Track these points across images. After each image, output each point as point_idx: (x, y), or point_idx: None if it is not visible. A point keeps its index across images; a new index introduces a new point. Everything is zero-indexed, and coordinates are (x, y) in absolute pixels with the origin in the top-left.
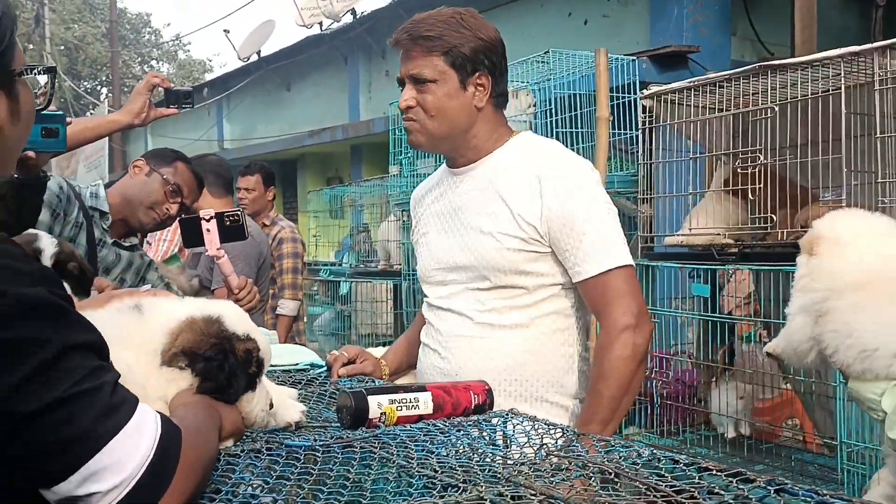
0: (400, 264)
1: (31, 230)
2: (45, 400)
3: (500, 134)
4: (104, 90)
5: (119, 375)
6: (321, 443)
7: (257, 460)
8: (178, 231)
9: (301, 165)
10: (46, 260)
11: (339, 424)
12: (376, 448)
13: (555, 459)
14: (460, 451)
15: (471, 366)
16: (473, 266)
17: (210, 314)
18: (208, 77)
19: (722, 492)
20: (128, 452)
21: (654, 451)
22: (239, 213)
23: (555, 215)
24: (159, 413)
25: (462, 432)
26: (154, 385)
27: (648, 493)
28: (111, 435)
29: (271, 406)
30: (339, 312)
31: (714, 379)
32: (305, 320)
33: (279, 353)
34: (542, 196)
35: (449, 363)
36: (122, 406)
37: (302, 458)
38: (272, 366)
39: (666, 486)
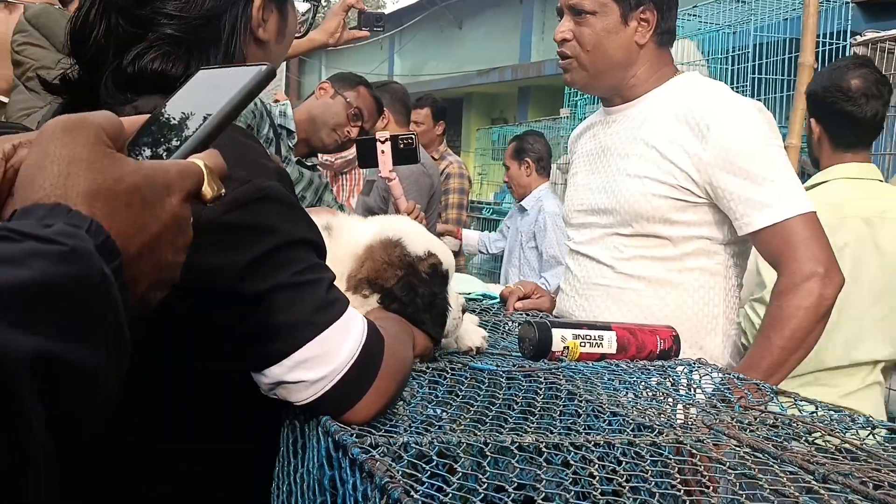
0: None
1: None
2: (271, 283)
3: (662, 74)
4: None
5: (334, 276)
6: (504, 369)
7: (441, 378)
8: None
9: (467, 105)
10: None
11: (519, 354)
12: (561, 380)
13: (756, 413)
14: (647, 394)
15: (607, 316)
16: (615, 210)
17: (389, 237)
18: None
19: None
20: (337, 346)
21: (870, 418)
22: (413, 136)
23: (718, 160)
24: (366, 318)
25: (647, 375)
26: None
27: (868, 460)
28: (325, 326)
29: (464, 311)
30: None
31: None
32: (465, 256)
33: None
34: (704, 139)
35: (584, 311)
36: (335, 302)
37: (486, 382)
38: None
39: (889, 455)
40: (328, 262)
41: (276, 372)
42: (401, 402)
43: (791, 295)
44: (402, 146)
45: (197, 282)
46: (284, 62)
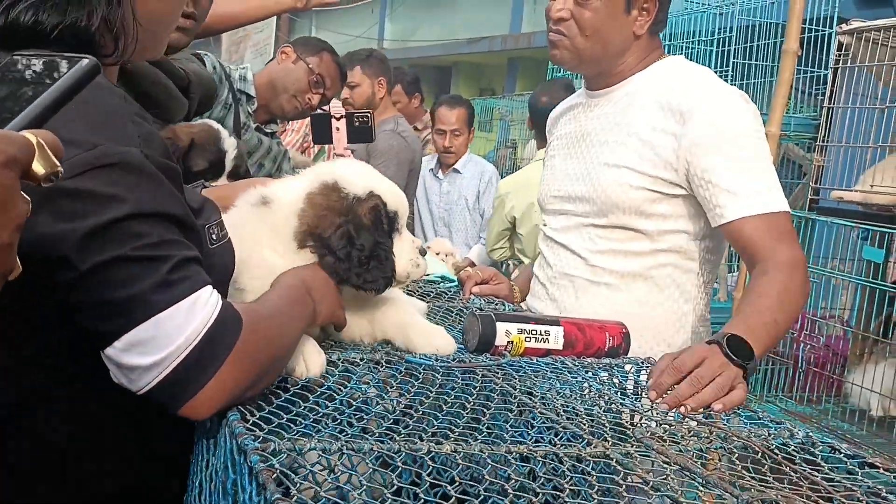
0: None
1: (209, 122)
2: (108, 255)
3: (649, 58)
4: None
5: (194, 255)
6: (442, 363)
7: (375, 371)
8: (306, 122)
9: (455, 73)
10: (228, 163)
11: (462, 346)
12: (499, 378)
13: (693, 424)
14: (587, 395)
15: (576, 308)
16: (591, 199)
17: (326, 181)
18: None
19: (891, 497)
20: (175, 329)
21: (810, 434)
22: (368, 114)
23: (699, 148)
24: (224, 300)
25: (591, 374)
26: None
27: (800, 483)
28: (164, 307)
29: (423, 254)
30: None
31: (867, 351)
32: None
33: None
34: (685, 124)
35: (553, 301)
36: (180, 282)
37: (420, 376)
38: None
39: (822, 477)
40: (273, 237)
41: (109, 354)
42: (326, 398)
43: (774, 273)
44: (357, 123)
45: (32, 252)
46: (274, 19)
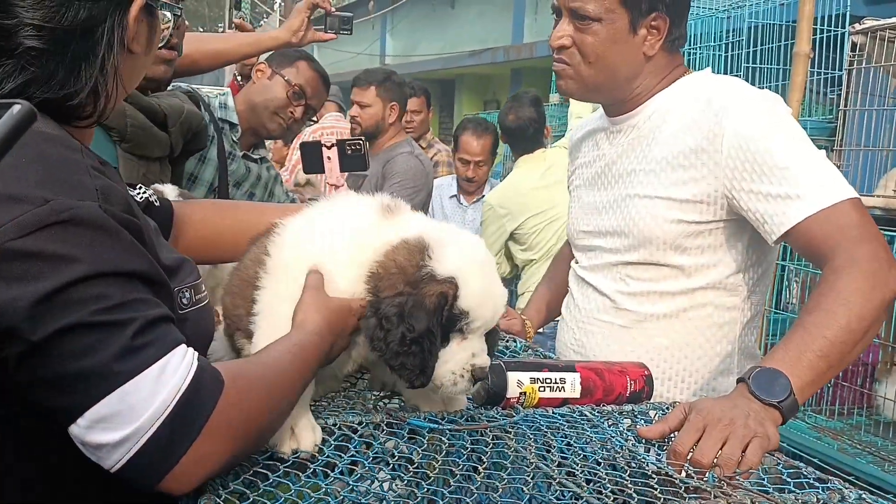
0: None
1: (158, 186)
2: (64, 322)
3: (671, 76)
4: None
5: (163, 314)
6: (449, 422)
7: (374, 440)
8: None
9: (459, 86)
10: None
11: (470, 398)
12: (511, 437)
13: (727, 488)
14: (610, 450)
15: (607, 355)
16: (622, 232)
17: (420, 238)
18: None
19: None
20: (143, 399)
21: (864, 498)
22: (361, 141)
23: (737, 160)
24: (201, 361)
25: (613, 425)
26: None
27: None
28: (128, 376)
29: (475, 378)
30: None
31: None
32: None
33: None
34: (719, 139)
35: (584, 347)
36: (145, 348)
37: (424, 443)
38: None
39: None
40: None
41: (74, 432)
42: (325, 468)
43: (843, 275)
44: (349, 152)
45: None
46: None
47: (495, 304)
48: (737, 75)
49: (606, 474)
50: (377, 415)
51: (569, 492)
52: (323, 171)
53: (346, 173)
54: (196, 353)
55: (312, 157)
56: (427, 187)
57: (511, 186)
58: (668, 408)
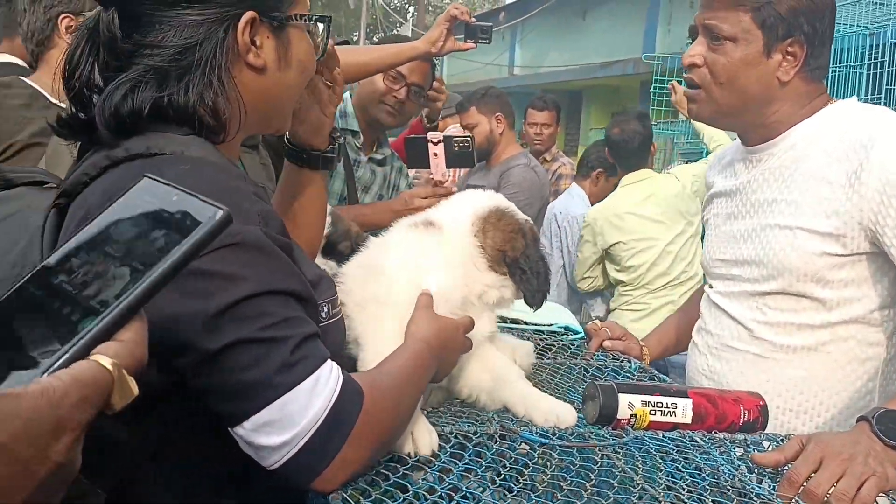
0: None
1: None
2: (233, 337)
3: (812, 106)
4: (410, 9)
5: (313, 331)
6: (559, 437)
7: (486, 449)
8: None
9: (587, 98)
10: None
11: (581, 416)
12: (619, 458)
13: None
14: (718, 478)
15: (740, 384)
16: (761, 262)
17: (498, 206)
18: (506, 0)
19: None
20: (299, 410)
21: None
22: (469, 138)
23: (886, 192)
24: (345, 375)
25: (724, 453)
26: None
27: None
28: (287, 389)
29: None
30: None
31: None
32: None
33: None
34: (870, 170)
35: (716, 374)
36: (302, 361)
37: (534, 457)
38: (525, 323)
39: None
40: (442, 265)
41: (239, 433)
42: (441, 472)
43: None
44: (456, 148)
45: (160, 333)
46: None
47: None
48: (880, 97)
49: (713, 501)
50: (491, 426)
51: None
52: (427, 167)
53: (456, 177)
54: (340, 369)
55: (417, 153)
56: (542, 200)
57: (610, 207)
58: (782, 439)
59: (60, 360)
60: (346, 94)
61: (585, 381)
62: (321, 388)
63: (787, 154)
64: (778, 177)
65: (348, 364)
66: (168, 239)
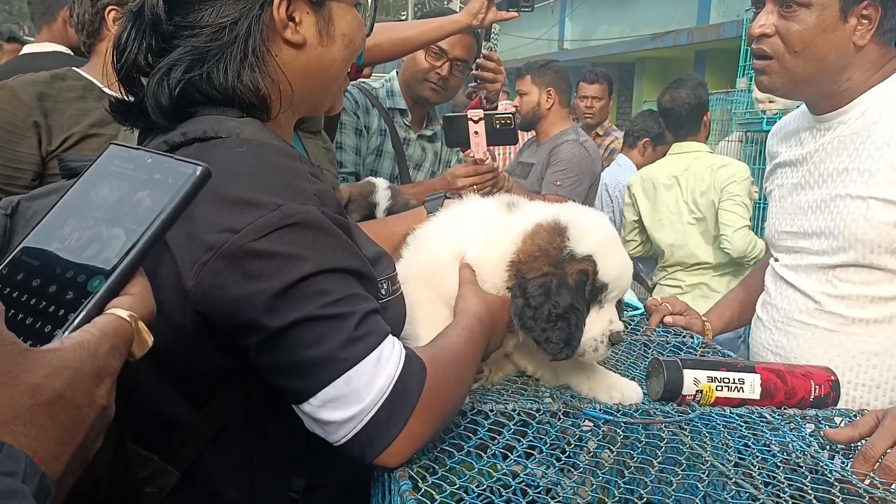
0: None
1: (371, 179)
2: (297, 315)
3: (885, 70)
4: None
5: (374, 307)
6: (623, 414)
7: (551, 427)
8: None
9: (639, 70)
10: (380, 213)
11: (645, 392)
12: (686, 434)
13: None
14: (790, 454)
15: (809, 359)
16: (832, 234)
17: (559, 222)
18: None
19: None
20: (365, 385)
21: None
22: (511, 115)
23: None
24: (408, 350)
25: (795, 429)
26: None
27: None
28: (352, 364)
29: (612, 342)
30: None
31: None
32: None
33: None
34: None
35: (783, 349)
36: (365, 337)
37: (599, 433)
38: None
39: None
40: (493, 240)
41: (306, 409)
42: (505, 450)
43: None
44: (498, 126)
45: (222, 313)
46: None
47: (628, 275)
48: None
49: (786, 478)
50: (554, 403)
51: (745, 493)
52: (468, 146)
53: (495, 153)
54: (401, 344)
55: (457, 131)
56: (592, 175)
57: (649, 174)
58: (855, 415)
59: (80, 317)
60: (393, 73)
61: (646, 358)
62: (385, 362)
63: (858, 121)
64: (849, 145)
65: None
66: (154, 198)
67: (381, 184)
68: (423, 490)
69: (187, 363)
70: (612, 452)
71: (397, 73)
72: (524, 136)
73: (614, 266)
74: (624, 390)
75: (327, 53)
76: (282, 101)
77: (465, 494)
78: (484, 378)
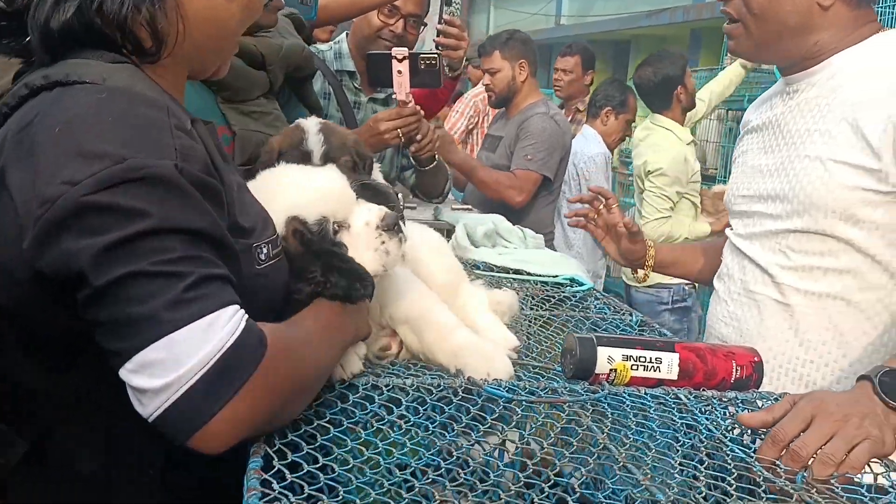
0: (716, 169)
1: (300, 122)
2: (124, 270)
3: (859, 34)
4: None
5: (220, 274)
6: (529, 392)
7: (447, 404)
8: (471, 105)
9: (634, 48)
10: (317, 159)
11: (560, 369)
12: (587, 415)
13: (815, 494)
14: (700, 444)
15: (759, 332)
16: (786, 197)
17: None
18: None
19: None
20: (188, 350)
21: None
22: (437, 55)
23: None
24: (250, 324)
25: (709, 414)
26: None
27: None
28: (176, 326)
29: (387, 226)
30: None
31: None
32: None
33: (541, 260)
34: None
35: (737, 320)
36: (197, 300)
37: (497, 411)
38: (529, 274)
39: None
40: None
41: (122, 374)
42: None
43: None
44: (423, 66)
45: (55, 269)
46: None
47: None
48: None
49: (679, 464)
50: (456, 380)
51: (632, 478)
52: (390, 86)
53: (484, 130)
54: (247, 317)
55: (380, 70)
56: (563, 148)
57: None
58: (777, 398)
59: None
60: (343, 35)
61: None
62: (215, 331)
63: (827, 83)
64: (814, 106)
65: (298, 306)
66: None
67: (312, 127)
68: (276, 468)
69: (40, 326)
70: (504, 430)
71: (347, 34)
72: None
73: (313, 198)
74: (494, 368)
75: (228, 5)
76: (173, 46)
77: (321, 474)
78: (393, 355)
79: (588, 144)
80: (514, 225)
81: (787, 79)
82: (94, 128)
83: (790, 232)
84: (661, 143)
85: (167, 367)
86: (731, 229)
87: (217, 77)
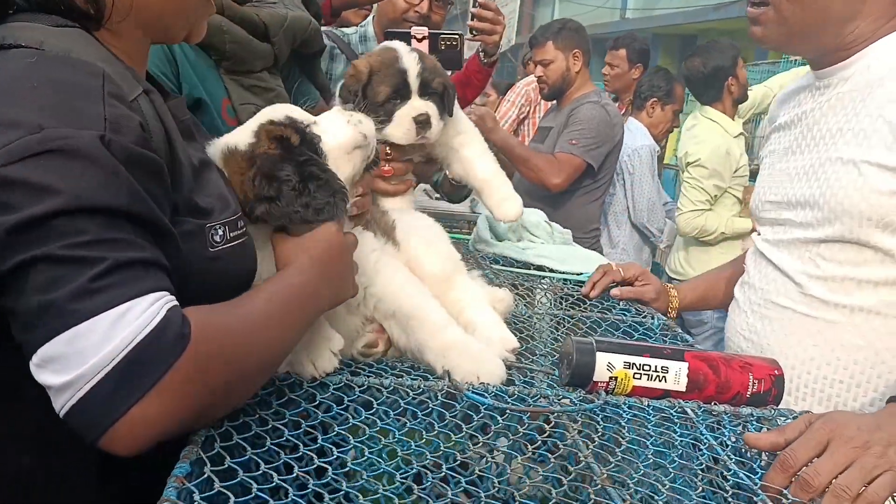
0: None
1: (388, 44)
2: (32, 253)
3: (893, 23)
4: None
5: (143, 258)
6: (518, 400)
7: (422, 408)
8: (523, 94)
9: (702, 42)
10: (412, 79)
11: (556, 375)
12: (575, 427)
13: None
14: (697, 465)
15: (783, 348)
16: (817, 203)
17: (224, 151)
18: None
19: None
20: (93, 344)
21: None
22: (458, 36)
23: None
24: (171, 314)
25: (716, 431)
26: None
27: None
28: (80, 319)
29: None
30: None
31: None
32: None
33: (565, 256)
34: None
35: (756, 334)
36: (107, 289)
37: (476, 418)
38: (551, 271)
39: None
40: None
41: (31, 369)
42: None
43: None
44: (443, 47)
45: None
46: None
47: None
48: None
49: (669, 488)
50: (439, 382)
51: (609, 502)
52: None
53: (536, 123)
54: (170, 306)
55: None
56: (612, 141)
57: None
58: (797, 416)
59: None
60: (369, 18)
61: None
62: (127, 322)
63: (860, 77)
64: (847, 103)
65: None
66: None
67: (403, 47)
68: (206, 475)
69: None
70: (480, 441)
71: (374, 18)
72: (547, 106)
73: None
74: (484, 372)
75: None
76: (124, 11)
77: (255, 484)
78: (379, 353)
79: (633, 137)
80: (555, 219)
81: (818, 73)
82: (16, 94)
83: (821, 241)
84: (703, 134)
85: (71, 362)
86: (759, 235)
87: (193, 41)
